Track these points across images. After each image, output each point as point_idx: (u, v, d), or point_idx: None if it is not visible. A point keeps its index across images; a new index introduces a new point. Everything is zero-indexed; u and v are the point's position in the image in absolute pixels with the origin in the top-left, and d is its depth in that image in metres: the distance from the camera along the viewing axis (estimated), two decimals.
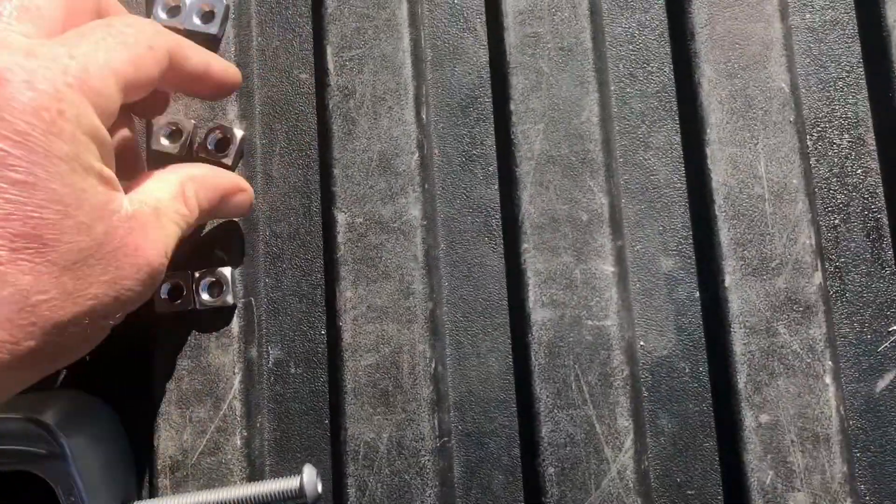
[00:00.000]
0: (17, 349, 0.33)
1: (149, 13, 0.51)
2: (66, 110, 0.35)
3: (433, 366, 0.47)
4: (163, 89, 0.42)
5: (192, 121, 0.49)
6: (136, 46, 0.38)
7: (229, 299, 0.47)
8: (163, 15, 0.50)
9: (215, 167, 0.46)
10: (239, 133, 0.49)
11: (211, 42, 0.50)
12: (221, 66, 0.45)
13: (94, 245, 0.35)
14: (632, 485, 0.45)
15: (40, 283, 0.34)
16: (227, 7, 0.51)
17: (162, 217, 0.40)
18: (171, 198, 0.41)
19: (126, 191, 0.39)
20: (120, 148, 0.43)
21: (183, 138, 0.49)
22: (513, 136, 0.49)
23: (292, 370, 0.49)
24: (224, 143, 0.49)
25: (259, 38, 0.52)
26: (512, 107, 0.49)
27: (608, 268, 0.47)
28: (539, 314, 0.47)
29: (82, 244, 0.35)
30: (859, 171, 0.49)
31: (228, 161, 0.49)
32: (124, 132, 0.45)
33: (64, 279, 0.34)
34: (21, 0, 0.37)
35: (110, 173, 0.37)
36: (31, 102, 0.34)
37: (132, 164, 0.45)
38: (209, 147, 0.49)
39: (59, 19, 0.38)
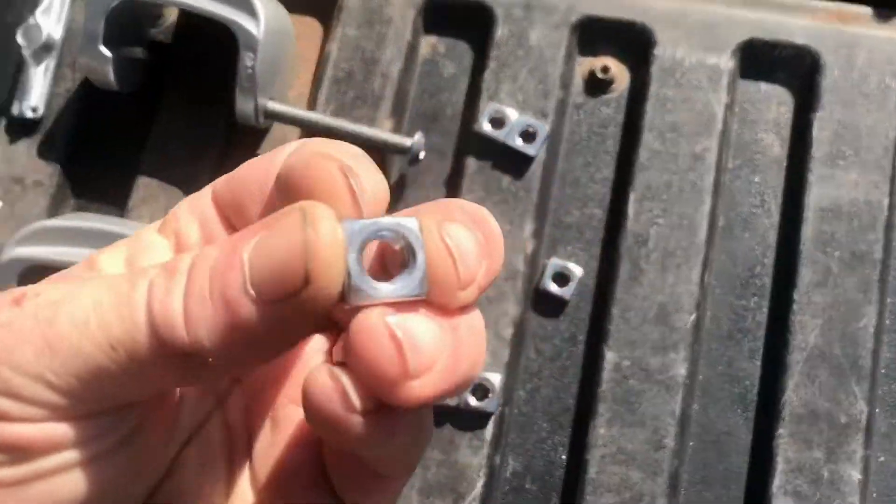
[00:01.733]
0: None
1: (473, 120, 0.54)
2: None
3: None
4: None
5: None
6: None
7: (492, 407, 0.50)
8: (487, 126, 0.53)
9: None
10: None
11: (525, 161, 0.53)
12: None
13: None
14: None
15: None
16: (547, 131, 0.54)
17: None
18: None
19: None
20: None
21: None
22: (790, 324, 0.51)
23: (527, 485, 0.51)
24: None
25: (563, 164, 0.55)
26: (795, 295, 0.51)
27: (855, 474, 0.49)
28: (780, 501, 0.49)
29: None
30: None
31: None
32: None
33: None
34: None
35: None
36: None
37: None
38: None
39: None
